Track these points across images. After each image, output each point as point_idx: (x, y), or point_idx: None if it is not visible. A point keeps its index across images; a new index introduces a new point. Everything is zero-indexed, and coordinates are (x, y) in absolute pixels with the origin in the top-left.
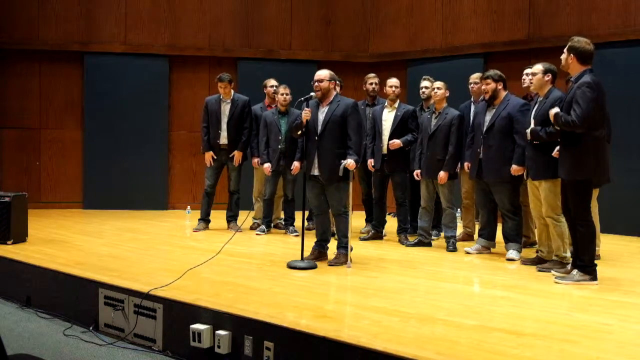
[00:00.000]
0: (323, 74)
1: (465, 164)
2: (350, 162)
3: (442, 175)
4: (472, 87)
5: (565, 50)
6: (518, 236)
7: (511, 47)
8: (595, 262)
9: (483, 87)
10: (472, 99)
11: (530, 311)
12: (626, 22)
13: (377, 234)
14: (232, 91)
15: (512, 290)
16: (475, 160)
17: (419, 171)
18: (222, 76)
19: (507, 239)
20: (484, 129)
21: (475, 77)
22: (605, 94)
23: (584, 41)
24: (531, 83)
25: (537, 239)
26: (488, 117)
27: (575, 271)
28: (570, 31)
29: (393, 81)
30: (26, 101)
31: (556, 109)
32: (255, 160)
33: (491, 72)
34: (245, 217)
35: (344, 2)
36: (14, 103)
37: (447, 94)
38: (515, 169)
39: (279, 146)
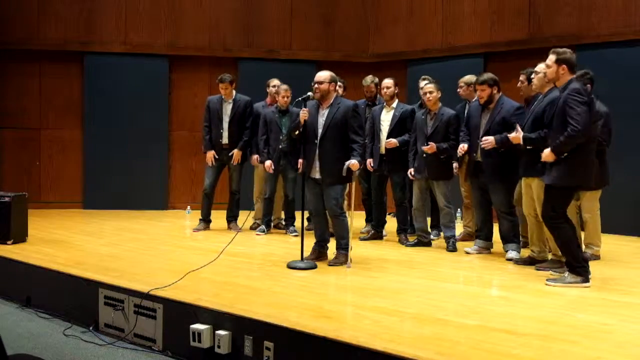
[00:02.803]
0: (323, 75)
1: (461, 145)
2: (353, 162)
3: (430, 146)
4: (459, 91)
5: (552, 63)
6: (515, 236)
7: (511, 47)
8: (595, 261)
9: (478, 92)
10: (467, 101)
11: (530, 311)
12: (626, 22)
13: (377, 234)
14: (234, 91)
15: (512, 290)
16: (471, 162)
17: (412, 170)
18: (224, 77)
19: (505, 239)
20: (481, 133)
21: (463, 80)
22: (593, 101)
23: (569, 51)
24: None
25: (528, 238)
26: (484, 121)
27: (567, 273)
28: (570, 31)
29: (386, 82)
30: (26, 101)
31: (547, 150)
32: (255, 157)
33: (485, 76)
34: (246, 218)
35: (344, 2)
36: (14, 103)
37: (440, 95)
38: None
39: (280, 146)
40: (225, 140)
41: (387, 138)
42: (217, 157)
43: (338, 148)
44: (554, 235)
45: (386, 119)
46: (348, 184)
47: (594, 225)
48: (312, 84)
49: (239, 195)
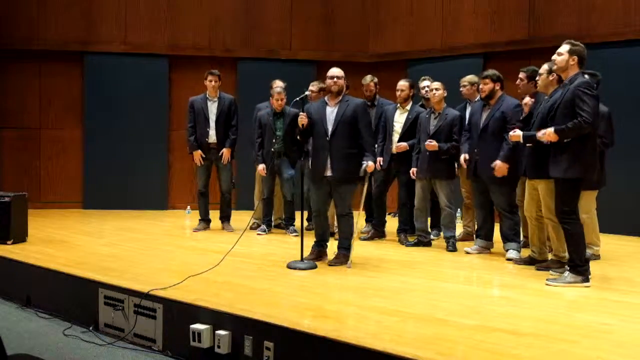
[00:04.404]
0: (339, 71)
1: (462, 155)
2: (370, 165)
3: (433, 144)
4: (462, 90)
5: (564, 51)
6: (516, 235)
7: (511, 47)
8: (595, 261)
9: (481, 86)
10: (467, 101)
11: (530, 311)
12: (626, 22)
13: (378, 233)
14: (218, 90)
15: (512, 290)
16: (472, 161)
17: (415, 169)
18: (213, 70)
19: (506, 238)
20: (480, 128)
21: (466, 79)
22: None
23: (582, 46)
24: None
25: (529, 239)
26: (484, 117)
27: (567, 273)
28: (570, 31)
29: (400, 84)
30: (26, 101)
31: (550, 130)
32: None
33: (490, 71)
34: (250, 220)
35: (344, 2)
36: (14, 103)
37: (445, 94)
38: (498, 164)
39: (272, 149)
40: (212, 139)
41: (399, 140)
42: (204, 156)
43: (349, 145)
44: (567, 232)
45: (400, 120)
46: (361, 184)
47: (592, 225)
48: (331, 77)
49: (229, 196)
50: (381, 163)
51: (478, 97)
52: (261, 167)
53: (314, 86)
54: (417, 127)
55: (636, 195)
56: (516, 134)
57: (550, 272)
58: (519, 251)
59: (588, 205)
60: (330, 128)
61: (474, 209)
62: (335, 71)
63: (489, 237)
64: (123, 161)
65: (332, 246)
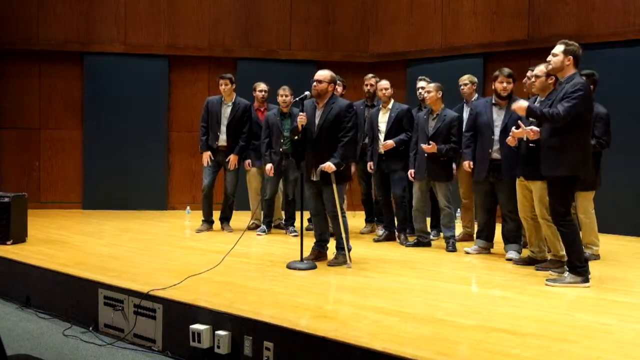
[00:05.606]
0: (323, 74)
1: (466, 162)
2: (327, 165)
3: (432, 145)
4: (463, 89)
5: (559, 52)
6: (518, 237)
7: (511, 47)
8: (595, 261)
9: (504, 84)
10: (464, 101)
11: (529, 311)
12: (626, 22)
13: (390, 234)
14: (234, 93)
15: (512, 290)
16: (485, 160)
17: (412, 171)
18: (224, 74)
19: (507, 239)
20: (498, 129)
21: (467, 79)
22: (593, 99)
23: (577, 45)
24: (533, 85)
25: (527, 239)
26: (497, 117)
27: (567, 273)
28: (570, 31)
29: (382, 83)
30: (26, 101)
31: (523, 102)
32: (247, 162)
33: (509, 70)
34: (250, 221)
35: (344, 2)
36: (13, 103)
37: (440, 95)
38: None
39: (281, 149)
40: (222, 142)
41: (385, 139)
42: (213, 158)
43: (332, 148)
44: (562, 234)
45: (383, 120)
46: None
47: (590, 225)
48: (312, 81)
49: (233, 198)
50: (371, 167)
51: (476, 96)
52: (269, 166)
53: None
54: (415, 127)
55: (636, 195)
56: (520, 104)
57: (550, 272)
58: (519, 252)
59: (585, 205)
60: (314, 131)
61: (476, 210)
62: (317, 75)
63: (489, 238)
64: (123, 161)
65: (332, 247)
